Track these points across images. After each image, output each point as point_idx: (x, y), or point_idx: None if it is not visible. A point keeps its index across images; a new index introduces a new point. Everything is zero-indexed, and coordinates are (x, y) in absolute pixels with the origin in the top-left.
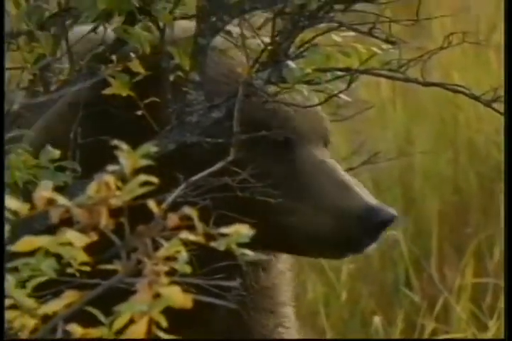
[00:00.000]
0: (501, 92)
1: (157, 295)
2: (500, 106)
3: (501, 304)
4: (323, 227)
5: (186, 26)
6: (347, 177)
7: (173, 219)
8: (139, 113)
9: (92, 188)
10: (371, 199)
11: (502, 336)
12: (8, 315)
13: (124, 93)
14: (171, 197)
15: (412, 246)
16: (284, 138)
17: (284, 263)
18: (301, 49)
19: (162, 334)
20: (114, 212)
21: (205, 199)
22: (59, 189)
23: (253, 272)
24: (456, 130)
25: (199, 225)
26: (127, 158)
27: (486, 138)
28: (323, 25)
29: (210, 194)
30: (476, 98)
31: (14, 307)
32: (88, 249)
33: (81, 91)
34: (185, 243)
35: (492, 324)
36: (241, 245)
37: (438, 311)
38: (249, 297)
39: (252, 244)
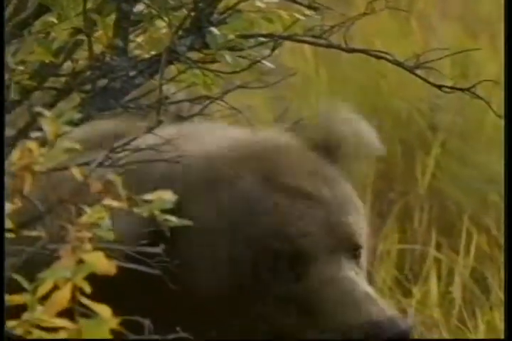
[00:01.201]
0: (424, 59)
1: (80, 262)
2: (423, 73)
3: (426, 270)
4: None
5: None
6: (359, 292)
7: (96, 186)
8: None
9: (15, 155)
10: (384, 312)
11: (427, 302)
12: None
13: (47, 59)
14: (94, 163)
15: None
16: (293, 254)
17: None
18: (224, 15)
19: (86, 301)
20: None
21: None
22: None
23: None
24: (378, 97)
25: (122, 191)
26: (50, 124)
27: (409, 105)
28: None
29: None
30: (399, 64)
31: None
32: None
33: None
34: (109, 209)
35: (416, 290)
36: (164, 211)
37: None
38: None
39: None
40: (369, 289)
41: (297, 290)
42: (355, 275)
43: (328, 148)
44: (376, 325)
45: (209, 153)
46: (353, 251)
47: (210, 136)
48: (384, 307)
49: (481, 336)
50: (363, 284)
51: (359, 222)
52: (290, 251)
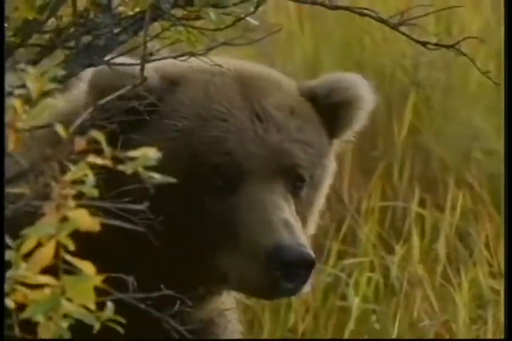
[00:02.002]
0: (408, 16)
1: (64, 219)
2: (407, 30)
3: (408, 227)
4: (243, 267)
5: None
6: (278, 217)
7: (80, 143)
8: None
9: None
10: (292, 239)
11: (410, 259)
12: None
13: (31, 16)
14: (78, 120)
15: None
16: (227, 173)
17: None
18: None
19: (70, 258)
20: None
21: (112, 123)
22: None
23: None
24: (362, 53)
25: (106, 149)
26: (34, 81)
27: (392, 62)
28: None
29: (118, 117)
30: (383, 21)
31: None
32: None
33: None
34: (93, 166)
35: (399, 247)
36: (148, 168)
37: (345, 234)
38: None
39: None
40: (291, 218)
41: (226, 205)
42: (283, 202)
43: (315, 96)
44: (283, 246)
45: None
46: (293, 180)
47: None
48: (296, 234)
49: (465, 293)
50: (287, 212)
51: (317, 165)
52: (227, 165)
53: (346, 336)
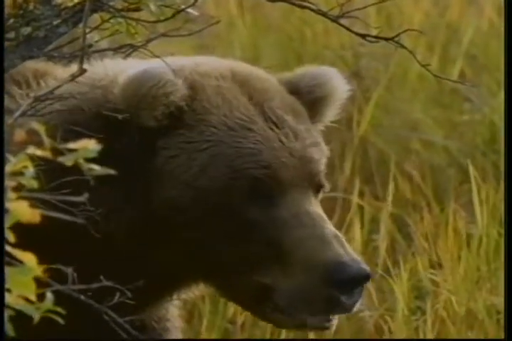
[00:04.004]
0: (349, 8)
1: (5, 211)
2: (348, 21)
3: (349, 218)
4: (299, 285)
5: None
6: (327, 231)
7: (20, 134)
8: None
9: None
10: (347, 254)
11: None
12: None
13: None
14: (18, 112)
15: None
16: (268, 187)
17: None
18: None
19: (10, 249)
20: None
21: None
22: None
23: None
24: (303, 45)
25: (46, 140)
26: None
27: (333, 53)
28: None
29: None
30: (323, 14)
31: None
32: None
33: None
34: (33, 158)
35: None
36: (89, 160)
37: None
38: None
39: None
40: (335, 230)
41: (268, 218)
42: (323, 214)
43: (298, 91)
44: (342, 263)
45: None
46: (318, 188)
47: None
48: (349, 250)
49: (404, 284)
50: (331, 224)
51: (322, 159)
52: (267, 178)
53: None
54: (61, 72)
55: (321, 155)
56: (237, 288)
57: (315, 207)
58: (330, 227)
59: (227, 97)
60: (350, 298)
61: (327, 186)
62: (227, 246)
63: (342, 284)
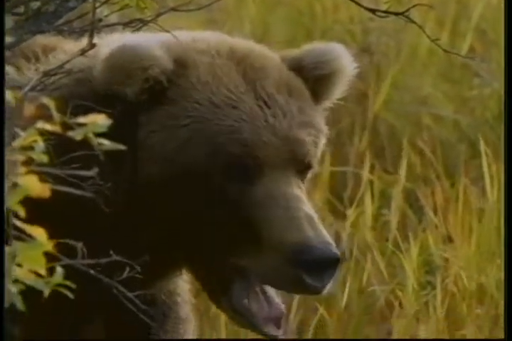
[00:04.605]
0: None
1: (15, 185)
2: None
3: (360, 193)
4: (265, 263)
5: None
6: (300, 212)
7: (29, 109)
8: None
9: None
10: (318, 237)
11: (360, 225)
12: None
13: None
14: (27, 87)
15: None
16: (245, 165)
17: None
18: None
19: (20, 224)
20: None
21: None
22: None
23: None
24: (312, 20)
25: (56, 115)
26: None
27: (342, 28)
28: None
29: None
30: None
31: None
32: None
33: None
34: (42, 132)
35: (351, 213)
36: (98, 135)
37: None
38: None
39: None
40: (312, 211)
41: (244, 197)
42: (302, 195)
43: (301, 68)
44: (309, 245)
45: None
46: (303, 169)
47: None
48: (321, 232)
49: (414, 259)
50: (308, 205)
51: (318, 143)
52: (246, 157)
53: (295, 301)
54: (71, 46)
55: (313, 135)
56: (212, 270)
57: (294, 188)
58: (305, 209)
59: (218, 74)
60: (318, 281)
61: (316, 167)
62: (204, 225)
63: (308, 266)
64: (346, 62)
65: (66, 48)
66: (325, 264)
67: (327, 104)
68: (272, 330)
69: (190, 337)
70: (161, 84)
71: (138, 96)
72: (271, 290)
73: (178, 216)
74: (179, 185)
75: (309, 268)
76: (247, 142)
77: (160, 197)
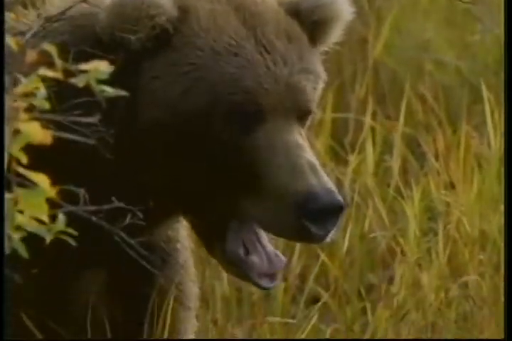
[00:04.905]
0: None
1: (16, 132)
2: None
3: (361, 139)
4: (268, 210)
5: None
6: (302, 160)
7: (31, 55)
8: None
9: None
10: (320, 184)
11: (362, 171)
12: None
13: None
14: (29, 33)
15: None
16: (247, 112)
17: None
18: None
19: (22, 171)
20: None
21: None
22: None
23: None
24: None
25: (58, 61)
26: None
27: None
28: None
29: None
30: None
31: None
32: None
33: None
34: (44, 79)
35: (353, 158)
36: (100, 81)
37: None
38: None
39: None
40: (314, 159)
41: (246, 144)
42: (304, 142)
43: (299, 13)
44: (313, 193)
45: None
46: (304, 115)
47: None
48: (324, 179)
49: (415, 205)
50: (310, 152)
51: (317, 88)
52: (247, 104)
53: (298, 248)
54: None
55: (313, 81)
56: (209, 216)
57: (296, 135)
58: (307, 156)
59: (218, 21)
60: (322, 229)
61: (316, 112)
62: (204, 172)
63: (313, 214)
64: (344, 7)
65: None
66: (329, 212)
67: (324, 47)
68: (266, 283)
69: (190, 284)
70: (167, 31)
71: (143, 43)
72: (269, 244)
73: (179, 160)
74: (180, 130)
75: (313, 217)
76: (248, 89)
77: (161, 142)
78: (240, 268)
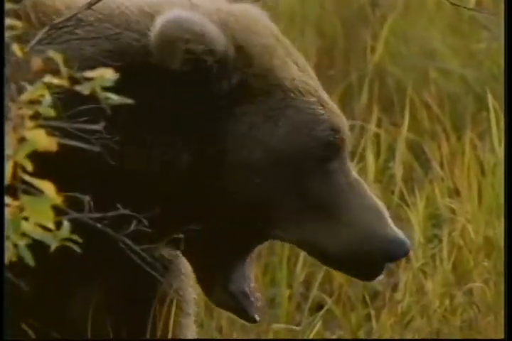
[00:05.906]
0: None
1: (22, 139)
2: None
3: (363, 146)
4: (347, 247)
5: None
6: (378, 202)
7: (37, 62)
8: None
9: None
10: (396, 229)
11: (365, 178)
12: None
13: None
14: (34, 40)
15: None
16: (334, 151)
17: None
18: None
19: (28, 178)
20: None
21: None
22: None
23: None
24: None
25: (63, 69)
26: None
27: None
28: None
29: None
30: None
31: None
32: None
33: None
34: (50, 86)
35: (353, 165)
36: (105, 89)
37: None
38: None
39: None
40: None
41: (328, 182)
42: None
43: None
44: (396, 241)
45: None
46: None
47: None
48: (394, 227)
49: (420, 212)
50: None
51: None
52: (339, 142)
53: (302, 255)
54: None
55: None
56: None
57: (354, 173)
58: (375, 197)
59: (279, 58)
60: (382, 270)
61: None
62: (285, 202)
63: (394, 259)
64: None
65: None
66: (399, 258)
67: None
68: (257, 316)
69: (190, 290)
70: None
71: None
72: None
73: (264, 195)
74: (277, 171)
75: (393, 261)
76: (338, 128)
77: (251, 182)
78: (240, 303)
